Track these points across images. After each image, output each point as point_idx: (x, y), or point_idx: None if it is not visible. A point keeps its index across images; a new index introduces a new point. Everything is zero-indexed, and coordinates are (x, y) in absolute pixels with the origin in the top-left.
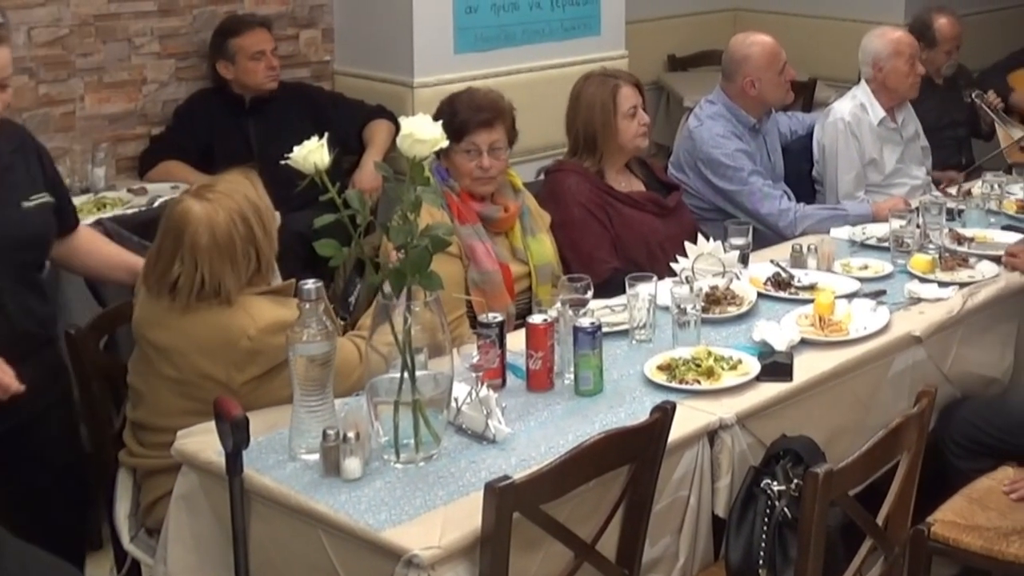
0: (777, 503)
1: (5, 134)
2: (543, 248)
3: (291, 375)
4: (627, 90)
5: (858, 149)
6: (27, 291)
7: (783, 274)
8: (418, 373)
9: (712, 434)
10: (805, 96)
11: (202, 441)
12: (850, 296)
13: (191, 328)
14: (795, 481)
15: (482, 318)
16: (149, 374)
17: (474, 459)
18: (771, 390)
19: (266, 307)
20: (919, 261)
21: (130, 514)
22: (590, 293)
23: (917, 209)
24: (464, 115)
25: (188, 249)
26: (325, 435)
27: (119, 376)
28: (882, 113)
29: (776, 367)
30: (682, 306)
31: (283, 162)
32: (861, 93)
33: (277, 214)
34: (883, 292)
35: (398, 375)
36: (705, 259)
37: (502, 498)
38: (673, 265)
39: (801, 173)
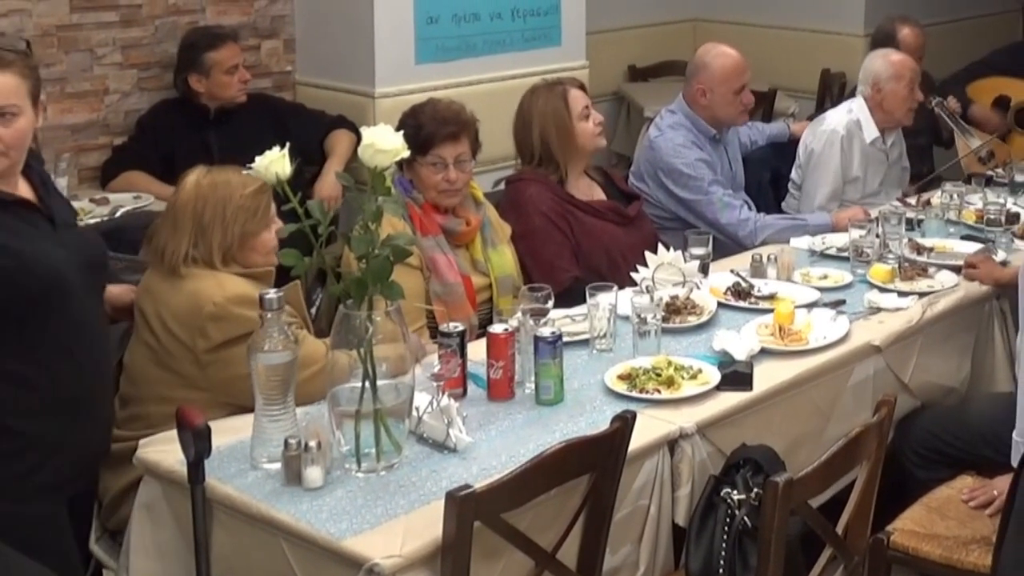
0: (737, 512)
1: (36, 158)
2: (504, 260)
3: (253, 382)
4: (575, 92)
5: (844, 164)
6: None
7: (743, 284)
8: (379, 382)
9: (672, 443)
10: (764, 106)
11: (164, 450)
12: (810, 306)
13: (167, 295)
14: (755, 490)
15: (443, 328)
16: (135, 343)
17: (435, 468)
18: (731, 399)
19: (239, 282)
20: (879, 271)
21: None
22: (551, 303)
23: (877, 219)
24: (430, 128)
25: (164, 212)
26: (287, 444)
27: None
28: (875, 133)
29: (736, 376)
30: (642, 315)
31: (245, 172)
32: (858, 109)
33: (281, 226)
34: (843, 302)
35: (359, 384)
36: (665, 269)
37: (463, 507)
38: (633, 275)
39: (761, 183)
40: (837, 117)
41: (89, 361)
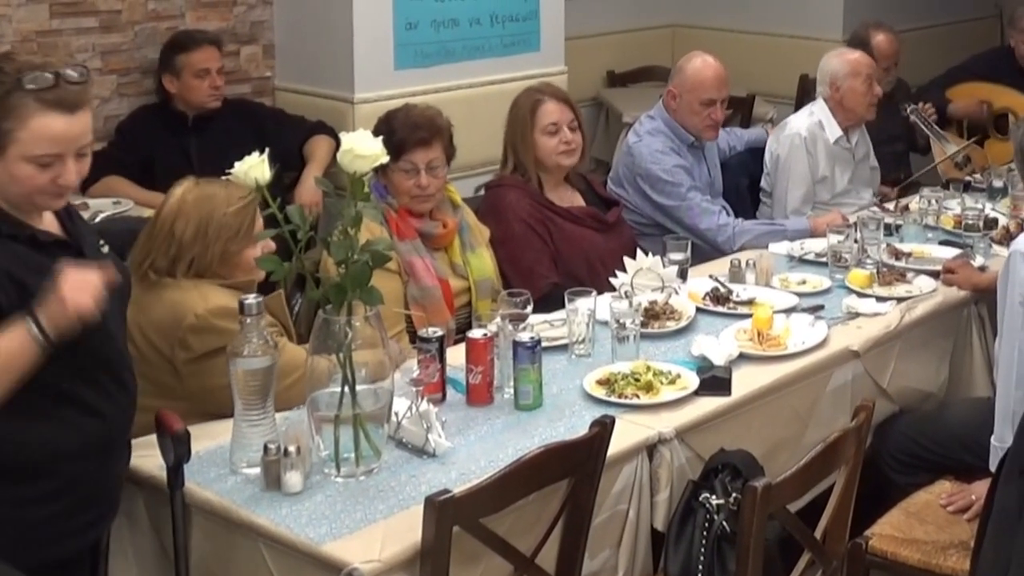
0: (716, 517)
1: None
2: (482, 263)
3: (232, 388)
4: (550, 106)
5: (811, 165)
6: None
7: (722, 289)
8: (358, 387)
9: (651, 448)
10: (743, 112)
11: (143, 455)
12: (788, 311)
13: (148, 304)
14: (733, 495)
15: (422, 332)
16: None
17: (414, 473)
18: (710, 404)
19: (221, 294)
20: (857, 276)
21: None
22: (530, 308)
23: (855, 224)
24: (401, 133)
25: (148, 223)
26: (266, 449)
27: None
28: (839, 132)
29: (715, 381)
30: (621, 321)
31: (224, 177)
32: (819, 110)
33: (270, 243)
34: (821, 307)
35: (339, 389)
36: (644, 274)
37: (442, 512)
38: (612, 280)
39: (740, 188)
40: (799, 120)
41: (124, 395)
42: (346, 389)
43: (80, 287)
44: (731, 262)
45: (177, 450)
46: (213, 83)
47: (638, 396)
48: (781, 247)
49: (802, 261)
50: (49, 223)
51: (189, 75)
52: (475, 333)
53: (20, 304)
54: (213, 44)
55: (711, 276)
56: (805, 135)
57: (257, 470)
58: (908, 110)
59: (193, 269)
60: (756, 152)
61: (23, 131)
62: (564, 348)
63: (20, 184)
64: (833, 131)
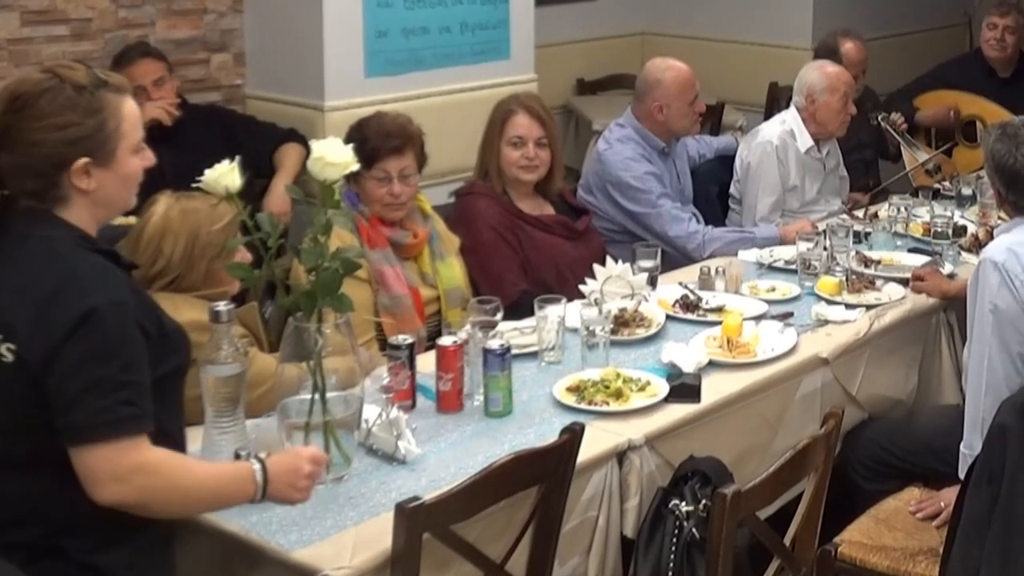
0: (685, 524)
1: None
2: (452, 272)
3: (203, 395)
4: (520, 119)
5: (782, 174)
6: None
7: (691, 296)
8: (329, 394)
9: (621, 455)
10: (713, 119)
11: None
12: (758, 318)
13: None
14: (703, 502)
15: (392, 340)
16: None
17: (384, 480)
18: (679, 411)
19: (194, 307)
20: (826, 283)
21: None
22: (499, 315)
23: (824, 232)
24: (374, 142)
25: (128, 236)
26: (236, 456)
27: None
28: (810, 142)
29: (684, 389)
30: (591, 328)
31: (195, 185)
32: (791, 119)
33: (247, 254)
34: (790, 314)
35: (309, 396)
36: (614, 281)
37: (412, 519)
38: (582, 287)
39: (709, 196)
40: (770, 128)
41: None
42: (316, 396)
43: (306, 484)
44: (701, 269)
45: None
46: (148, 97)
47: (608, 403)
48: (750, 254)
49: (771, 268)
50: None
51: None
52: (445, 340)
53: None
54: (148, 56)
55: (681, 283)
56: (776, 143)
57: None
58: (878, 118)
59: (175, 285)
60: (726, 160)
61: (124, 122)
62: (534, 355)
63: (131, 181)
64: (804, 141)
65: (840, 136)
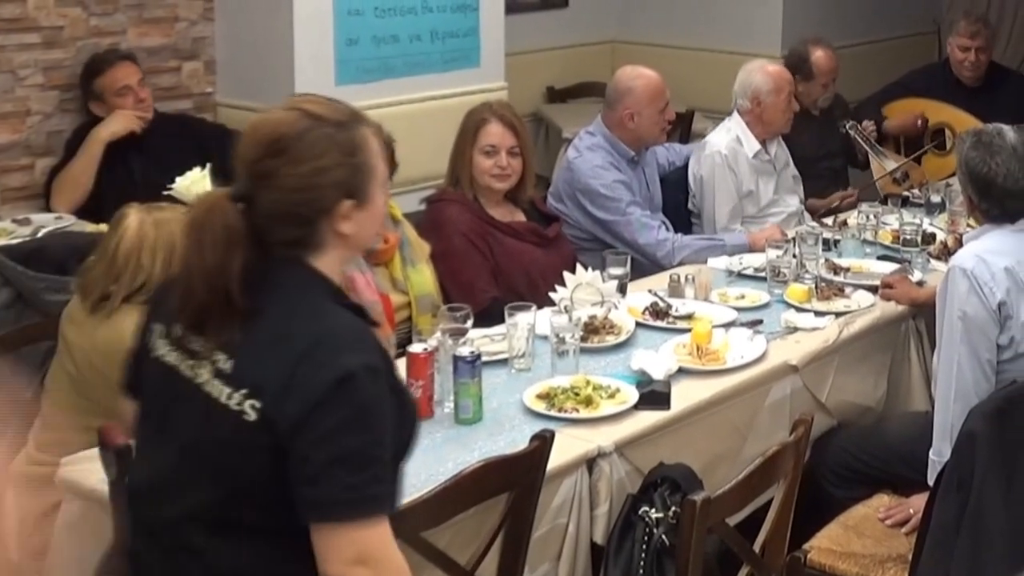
0: (655, 530)
1: None
2: (423, 278)
3: None
4: (494, 128)
5: (735, 182)
6: None
7: (661, 304)
8: None
9: (591, 462)
10: (682, 127)
11: (85, 469)
12: (727, 325)
13: (93, 329)
14: (673, 509)
15: None
16: (56, 368)
17: None
18: (649, 419)
19: None
20: (795, 291)
21: None
22: (470, 322)
23: (793, 239)
24: None
25: (102, 251)
26: None
27: None
28: (757, 146)
29: (654, 396)
30: (561, 335)
31: (166, 192)
32: (735, 126)
33: None
34: (760, 321)
35: None
36: (584, 289)
37: None
38: (552, 295)
39: (679, 204)
40: (717, 139)
41: None
42: None
43: None
44: (670, 277)
45: (119, 464)
46: (137, 97)
47: (578, 410)
48: (720, 262)
49: (741, 276)
50: None
51: (112, 96)
52: (415, 347)
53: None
54: (126, 59)
55: (650, 291)
56: (725, 153)
57: None
58: (847, 126)
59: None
60: None
61: (374, 156)
62: (504, 362)
63: (380, 220)
64: (751, 145)
65: (787, 132)
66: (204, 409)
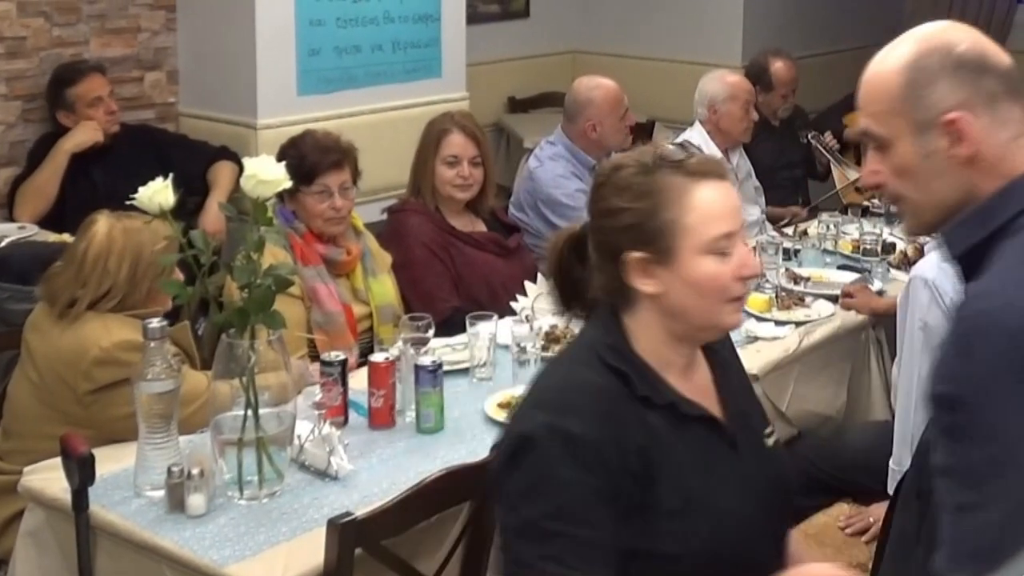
0: None
1: None
2: (384, 289)
3: (136, 411)
4: (456, 138)
5: None
6: None
7: None
8: (261, 411)
9: None
10: (643, 137)
11: (48, 478)
12: None
13: (57, 336)
14: None
15: (324, 356)
16: (19, 375)
17: (317, 495)
18: None
19: (126, 327)
20: (756, 300)
21: None
22: (431, 332)
23: (754, 248)
24: (313, 157)
25: (69, 257)
26: (170, 472)
27: None
28: (718, 155)
29: None
30: (522, 345)
31: (129, 203)
32: (696, 135)
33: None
34: None
35: (242, 413)
36: (545, 298)
37: (344, 534)
38: (513, 304)
39: None
40: None
41: None
42: (249, 412)
43: None
44: None
45: (81, 473)
46: (108, 108)
47: None
48: None
49: None
50: (699, 388)
51: (82, 106)
52: (377, 357)
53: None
54: (97, 71)
55: None
56: None
57: (161, 493)
58: (809, 136)
59: (121, 305)
60: None
61: (690, 214)
62: (465, 372)
63: (706, 290)
64: (713, 154)
65: (746, 141)
66: None
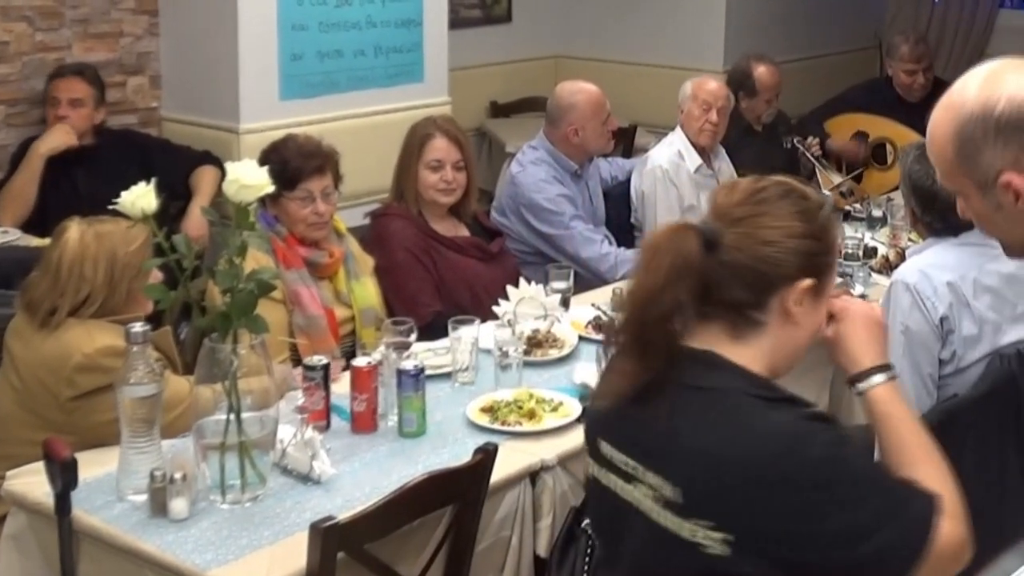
0: (597, 543)
1: None
2: (366, 292)
3: (119, 415)
4: (439, 142)
5: (677, 196)
6: None
7: (604, 317)
8: (244, 415)
9: (534, 475)
10: (625, 142)
11: (31, 482)
12: None
13: (39, 343)
14: None
15: (307, 361)
16: (1, 381)
17: (299, 500)
18: None
19: (108, 333)
20: None
21: None
22: (413, 336)
23: None
24: (296, 163)
25: (44, 266)
26: (152, 476)
27: None
28: (699, 160)
29: None
30: (504, 349)
31: (111, 207)
32: (678, 140)
33: (158, 274)
34: None
35: (224, 417)
36: (527, 303)
37: (326, 538)
38: (495, 308)
39: (622, 218)
40: (659, 153)
41: None
42: (232, 417)
43: None
44: (613, 290)
45: (64, 477)
46: (56, 113)
47: (521, 423)
48: None
49: None
50: None
51: (55, 106)
52: (360, 361)
53: None
54: (77, 75)
55: (593, 304)
56: (666, 167)
57: (144, 497)
58: (795, 141)
59: (101, 310)
60: None
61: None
62: (448, 376)
63: (807, 338)
64: (693, 160)
65: (708, 145)
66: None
